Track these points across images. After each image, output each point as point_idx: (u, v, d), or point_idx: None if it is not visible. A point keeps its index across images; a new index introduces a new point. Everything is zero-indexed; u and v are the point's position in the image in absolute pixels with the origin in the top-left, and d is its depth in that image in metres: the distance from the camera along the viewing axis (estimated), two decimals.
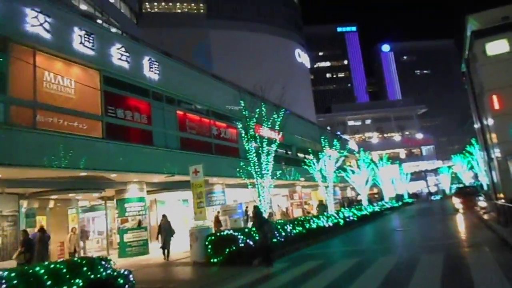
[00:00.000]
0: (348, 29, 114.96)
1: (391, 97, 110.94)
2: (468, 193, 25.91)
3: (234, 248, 12.28)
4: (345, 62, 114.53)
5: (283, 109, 16.70)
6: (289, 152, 33.71)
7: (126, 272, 7.58)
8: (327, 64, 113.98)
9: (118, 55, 16.90)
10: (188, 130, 20.89)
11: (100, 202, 21.93)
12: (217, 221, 23.36)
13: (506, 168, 14.17)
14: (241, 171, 15.68)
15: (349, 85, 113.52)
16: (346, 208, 26.65)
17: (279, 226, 15.21)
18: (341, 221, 20.93)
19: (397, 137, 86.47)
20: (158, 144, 18.53)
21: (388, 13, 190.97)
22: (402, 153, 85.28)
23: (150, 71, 18.57)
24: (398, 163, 51.58)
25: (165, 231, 15.83)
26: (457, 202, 25.20)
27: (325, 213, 21.70)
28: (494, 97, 14.34)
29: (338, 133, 45.31)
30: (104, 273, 7.35)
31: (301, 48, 75.46)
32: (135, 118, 17.57)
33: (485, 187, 39.23)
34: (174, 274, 12.12)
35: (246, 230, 13.17)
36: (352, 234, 19.30)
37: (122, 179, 18.13)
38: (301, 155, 35.95)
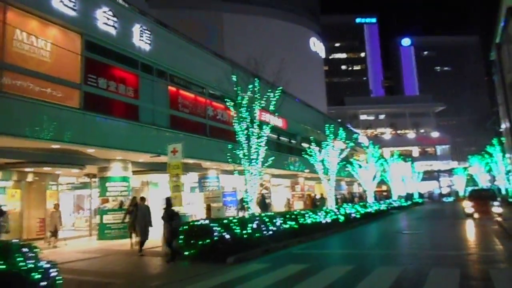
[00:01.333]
0: (367, 20, 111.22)
1: (407, 92, 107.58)
2: (482, 197, 23.48)
3: (208, 241, 10.66)
4: (362, 54, 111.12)
5: (280, 88, 14.86)
6: (292, 141, 31.94)
7: (47, 265, 6.01)
8: (343, 55, 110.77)
9: (104, 19, 15.28)
10: (181, 109, 19.27)
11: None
12: (209, 209, 21.90)
13: None
14: (229, 154, 14.01)
15: (364, 78, 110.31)
16: (348, 203, 24.83)
17: (267, 219, 13.54)
18: (341, 218, 19.18)
19: (411, 134, 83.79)
20: (145, 121, 16.96)
21: (409, 6, 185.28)
22: (416, 151, 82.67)
23: (141, 40, 16.93)
24: (410, 161, 49.30)
25: (143, 218, 12.38)
26: (468, 206, 22.88)
27: (321, 208, 20.07)
28: None
29: (348, 126, 43.40)
30: (19, 264, 5.80)
31: (317, 37, 73.01)
32: (120, 90, 16.00)
33: (503, 191, 37.00)
34: (136, 266, 10.58)
35: (225, 221, 11.53)
36: (352, 233, 17.55)
37: (103, 155, 16.66)
38: (306, 145, 34.19)
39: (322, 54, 75.88)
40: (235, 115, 13.94)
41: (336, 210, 19.80)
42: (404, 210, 35.13)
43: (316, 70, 72.43)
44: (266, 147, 14.57)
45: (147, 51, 17.26)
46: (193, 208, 22.44)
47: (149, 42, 17.22)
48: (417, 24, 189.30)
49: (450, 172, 68.05)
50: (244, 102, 13.76)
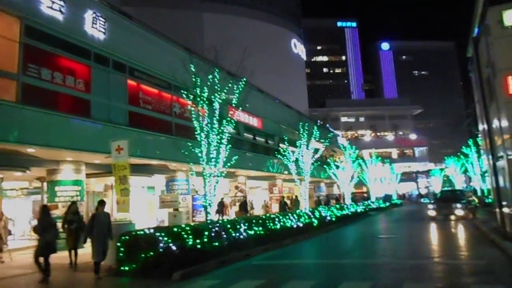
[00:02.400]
0: (348, 24, 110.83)
1: (387, 95, 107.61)
2: (447, 199, 22.46)
3: (152, 253, 8.93)
4: (343, 57, 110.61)
5: (244, 79, 13.24)
6: (270, 142, 30.36)
7: None
8: (325, 58, 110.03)
9: (48, 3, 13.34)
10: (142, 105, 17.42)
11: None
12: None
13: None
14: (186, 153, 12.30)
15: (345, 81, 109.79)
16: (324, 206, 23.35)
17: (229, 226, 11.88)
18: (315, 222, 17.65)
19: (390, 136, 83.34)
20: (98, 117, 15.03)
21: (388, 11, 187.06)
22: (395, 153, 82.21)
23: (93, 28, 15.04)
24: (388, 162, 48.31)
25: (101, 229, 9.22)
26: (430, 209, 21.88)
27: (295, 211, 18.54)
28: (510, 79, 10.95)
29: (327, 126, 42.08)
30: None
31: (298, 39, 71.96)
32: (68, 83, 14.06)
33: (479, 192, 36.14)
34: (63, 285, 8.76)
35: (176, 229, 9.81)
36: (324, 238, 15.99)
37: (50, 156, 14.70)
38: (284, 146, 32.65)
39: (304, 56, 74.87)
40: (193, 109, 12.25)
41: (310, 213, 18.29)
42: (383, 212, 33.89)
43: (298, 71, 71.33)
44: (229, 145, 12.93)
45: (102, 41, 15.39)
46: (163, 214, 20.67)
47: (103, 30, 15.35)
48: (396, 29, 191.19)
49: (427, 173, 67.60)
50: (203, 94, 12.09)
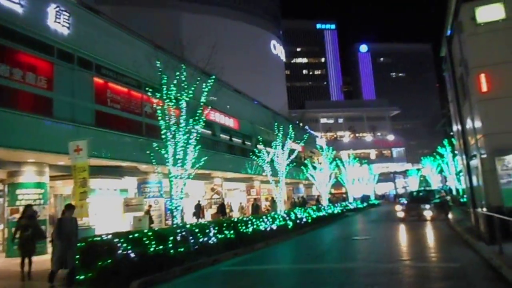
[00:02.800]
0: (327, 26, 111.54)
1: (366, 97, 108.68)
2: (416, 200, 22.23)
3: (109, 261, 8.29)
4: (322, 59, 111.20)
5: (213, 77, 12.69)
6: (247, 143, 29.85)
7: None
8: (304, 60, 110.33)
9: None
10: (110, 104, 16.65)
11: None
12: (149, 216, 19.42)
13: (492, 168, 10.63)
14: (152, 154, 11.68)
15: (325, 83, 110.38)
16: (300, 207, 22.98)
17: (197, 230, 11.30)
18: (290, 224, 17.21)
19: (368, 137, 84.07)
20: (62, 117, 14.20)
21: (367, 13, 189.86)
22: (373, 153, 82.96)
23: (57, 22, 14.22)
24: (366, 163, 48.49)
25: (67, 232, 8.35)
26: (399, 209, 21.66)
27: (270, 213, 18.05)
28: (482, 77, 10.79)
29: (306, 128, 41.92)
30: None
31: (277, 40, 71.80)
32: (28, 80, 13.23)
33: (454, 192, 36.51)
34: None
35: (137, 235, 9.18)
36: (298, 241, 15.56)
37: (10, 157, 13.81)
38: (263, 147, 32.19)
39: (283, 58, 74.77)
40: (160, 107, 11.63)
41: (285, 215, 17.86)
42: (360, 212, 33.80)
43: (277, 73, 71.13)
44: (199, 146, 12.36)
45: (65, 36, 14.57)
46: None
47: (67, 25, 14.54)
48: (374, 31, 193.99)
49: (404, 173, 68.37)
50: (170, 92, 11.48)
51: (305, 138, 19.92)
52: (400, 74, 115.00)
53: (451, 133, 28.21)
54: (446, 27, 14.76)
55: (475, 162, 12.30)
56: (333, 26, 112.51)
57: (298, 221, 18.06)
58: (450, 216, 20.42)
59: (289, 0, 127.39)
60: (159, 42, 21.01)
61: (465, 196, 26.77)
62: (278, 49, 71.40)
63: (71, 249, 8.39)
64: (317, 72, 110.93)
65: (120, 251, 8.46)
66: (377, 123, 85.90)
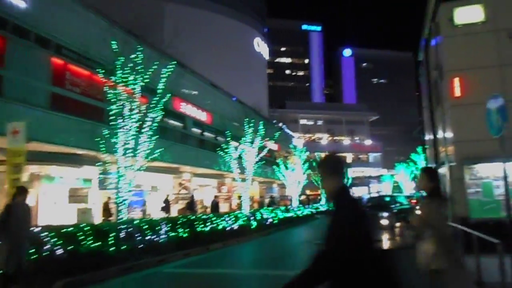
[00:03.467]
0: (313, 28, 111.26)
1: (346, 101, 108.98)
2: (372, 208, 18.77)
3: (35, 257, 7.33)
4: (306, 61, 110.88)
5: (173, 61, 11.80)
6: (219, 138, 28.94)
7: None
8: (288, 60, 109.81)
9: None
10: (68, 87, 15.53)
11: None
12: (106, 209, 18.39)
13: (460, 177, 10.11)
14: (103, 141, 10.71)
15: (307, 84, 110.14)
16: (268, 207, 22.29)
17: (145, 226, 10.42)
18: (254, 224, 16.48)
19: (346, 141, 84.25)
20: (12, 95, 13.07)
21: (352, 18, 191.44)
22: (350, 157, 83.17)
23: None
24: None
25: (18, 223, 6.73)
26: None
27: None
28: (456, 81, 10.25)
29: (283, 126, 41.28)
30: None
31: (261, 38, 70.96)
32: None
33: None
34: None
35: (72, 229, 8.23)
36: (259, 243, 14.82)
37: None
38: (236, 143, 31.28)
39: (266, 56, 74.00)
40: (112, 90, 10.66)
41: (250, 215, 17.12)
42: (331, 215, 33.27)
43: (259, 70, 70.33)
44: (156, 136, 11.46)
45: (22, 10, 13.42)
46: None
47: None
48: (358, 36, 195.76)
49: (379, 178, 68.76)
50: (125, 74, 10.53)
51: (276, 135, 19.12)
52: (381, 80, 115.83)
53: (425, 140, 28.10)
54: (424, 29, 14.28)
55: (444, 170, 11.82)
56: (318, 28, 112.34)
57: (263, 221, 17.33)
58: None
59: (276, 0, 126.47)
60: (140, 32, 19.87)
61: None
62: (261, 47, 70.59)
63: (21, 244, 6.86)
64: (300, 73, 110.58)
65: (48, 246, 7.51)
66: (356, 127, 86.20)
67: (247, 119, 18.07)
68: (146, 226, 10.50)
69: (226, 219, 14.67)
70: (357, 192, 72.01)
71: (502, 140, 5.67)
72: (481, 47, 10.46)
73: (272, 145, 38.87)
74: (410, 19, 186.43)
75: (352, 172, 72.81)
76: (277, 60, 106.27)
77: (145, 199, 22.28)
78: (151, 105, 11.04)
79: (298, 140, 48.37)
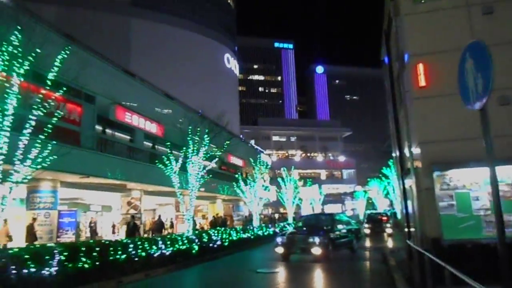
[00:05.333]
0: (285, 45, 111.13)
1: (320, 118, 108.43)
2: (308, 230, 14.71)
3: None
4: (279, 78, 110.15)
5: (68, 47, 9.37)
6: (174, 152, 26.31)
7: None
8: (261, 77, 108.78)
9: None
10: None
11: None
12: (31, 233, 15.62)
13: (428, 187, 7.99)
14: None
15: (280, 101, 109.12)
16: (220, 227, 19.74)
17: (27, 256, 7.77)
18: (195, 248, 13.89)
19: (320, 157, 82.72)
20: None
21: (324, 36, 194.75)
22: (323, 174, 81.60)
23: None
24: (310, 183, 46.10)
25: None
26: (279, 243, 14.42)
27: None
28: (420, 67, 8.27)
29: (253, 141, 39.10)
30: None
31: (231, 54, 69.40)
32: None
33: (399, 216, 34.75)
34: None
35: None
36: (194, 272, 12.24)
37: None
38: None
39: (237, 72, 72.41)
40: None
41: (194, 237, 14.54)
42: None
43: (230, 87, 68.48)
44: (43, 138, 8.92)
45: None
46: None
47: None
48: (331, 54, 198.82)
49: (352, 195, 67.16)
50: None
51: (226, 145, 16.71)
52: (354, 97, 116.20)
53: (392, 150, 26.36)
54: (385, 19, 12.38)
55: (410, 181, 9.69)
56: (291, 46, 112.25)
57: (207, 244, 14.74)
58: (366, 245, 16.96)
59: (247, 17, 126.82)
60: (107, 47, 17.51)
61: None
62: (232, 63, 68.97)
63: None
64: (273, 90, 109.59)
65: None
66: (329, 143, 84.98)
67: (200, 129, 15.60)
68: (28, 256, 7.85)
69: (159, 244, 12.07)
70: (332, 209, 70.30)
71: (484, 117, 3.49)
72: (450, 25, 8.52)
73: (236, 160, 36.64)
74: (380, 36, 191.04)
75: (327, 189, 71.10)
76: (250, 77, 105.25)
77: (78, 220, 19.43)
78: (38, 98, 8.51)
79: (266, 156, 46.13)
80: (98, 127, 19.88)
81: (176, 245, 12.96)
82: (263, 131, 79.53)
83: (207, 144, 15.22)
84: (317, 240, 13.34)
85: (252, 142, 47.96)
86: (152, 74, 37.96)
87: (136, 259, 10.55)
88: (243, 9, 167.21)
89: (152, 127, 22.91)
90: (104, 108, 19.26)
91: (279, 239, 14.53)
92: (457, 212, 8.03)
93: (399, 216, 36.34)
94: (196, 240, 14.45)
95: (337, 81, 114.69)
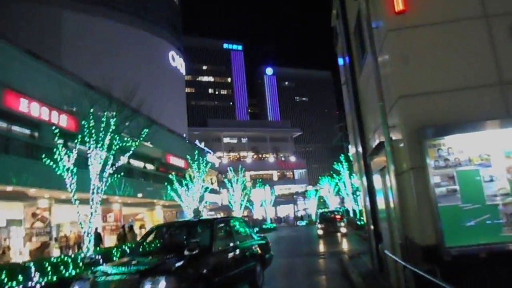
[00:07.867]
0: (234, 47, 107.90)
1: (271, 119, 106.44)
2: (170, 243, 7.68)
3: None
4: (229, 79, 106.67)
5: None
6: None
7: None
8: (210, 79, 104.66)
9: None
10: None
11: None
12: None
13: (415, 165, 4.70)
14: None
15: (231, 103, 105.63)
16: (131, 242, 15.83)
17: None
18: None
19: (271, 158, 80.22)
20: None
21: (273, 38, 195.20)
22: (275, 175, 79.19)
23: None
24: (260, 184, 43.01)
25: None
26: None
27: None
28: None
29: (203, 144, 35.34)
30: None
31: (177, 52, 65.08)
32: None
33: (351, 214, 32.49)
34: None
35: None
36: None
37: None
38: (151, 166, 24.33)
39: (183, 71, 68.14)
40: None
41: (95, 257, 10.64)
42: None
43: (176, 86, 64.03)
44: None
45: None
46: None
47: None
48: (280, 56, 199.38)
49: (304, 195, 65.13)
50: None
51: (144, 133, 12.85)
52: (303, 99, 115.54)
53: (349, 146, 23.94)
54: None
55: (380, 158, 6.52)
56: (240, 47, 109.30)
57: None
58: (345, 246, 14.79)
59: (196, 18, 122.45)
60: (35, 37, 13.11)
61: (362, 218, 21.65)
62: (177, 61, 64.67)
63: None
64: (223, 91, 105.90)
65: None
66: (280, 144, 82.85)
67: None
68: None
69: (32, 273, 8.10)
70: (285, 210, 67.79)
71: None
72: None
73: (177, 160, 32.68)
74: (329, 38, 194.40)
75: (279, 190, 68.53)
76: (199, 78, 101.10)
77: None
78: None
79: (214, 157, 42.45)
80: None
81: (64, 272, 9.02)
82: (213, 133, 75.79)
83: (113, 132, 11.33)
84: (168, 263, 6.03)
85: (202, 144, 44.05)
86: (86, 69, 33.45)
87: None
88: (192, 10, 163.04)
89: (62, 120, 18.50)
90: None
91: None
92: (462, 203, 4.95)
93: (351, 213, 34.21)
94: (100, 261, 10.58)
95: (286, 82, 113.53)
